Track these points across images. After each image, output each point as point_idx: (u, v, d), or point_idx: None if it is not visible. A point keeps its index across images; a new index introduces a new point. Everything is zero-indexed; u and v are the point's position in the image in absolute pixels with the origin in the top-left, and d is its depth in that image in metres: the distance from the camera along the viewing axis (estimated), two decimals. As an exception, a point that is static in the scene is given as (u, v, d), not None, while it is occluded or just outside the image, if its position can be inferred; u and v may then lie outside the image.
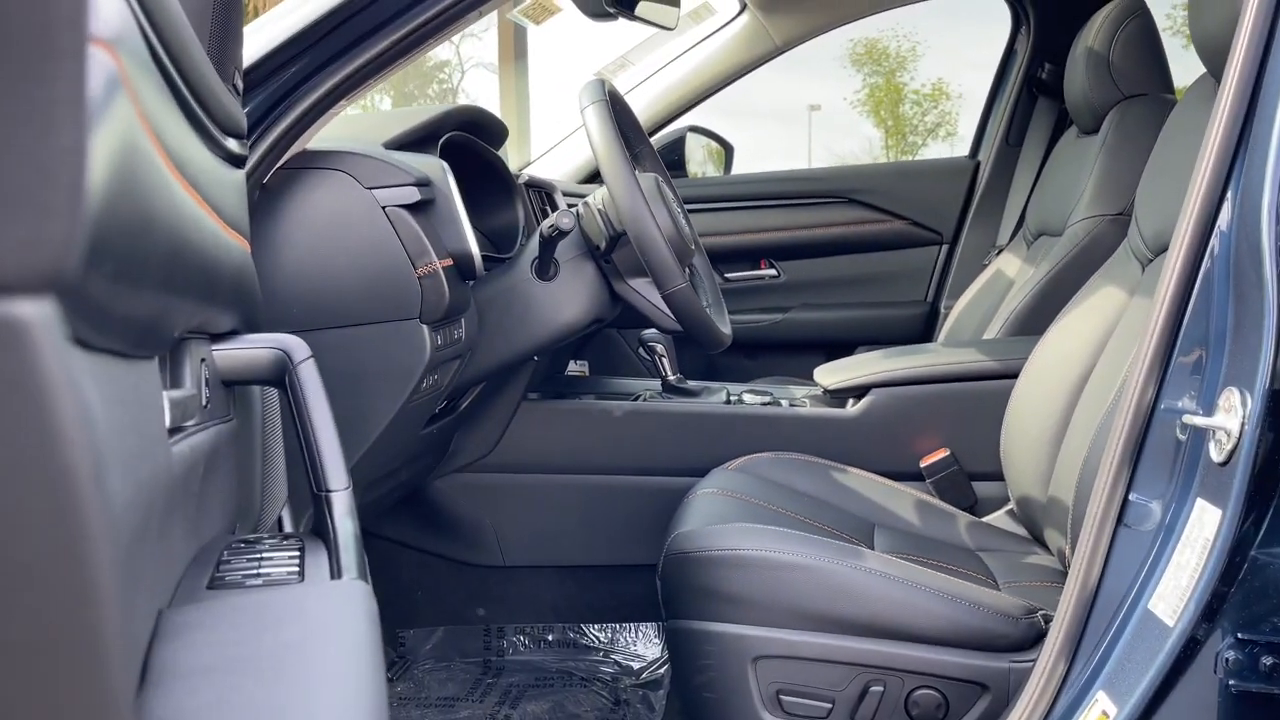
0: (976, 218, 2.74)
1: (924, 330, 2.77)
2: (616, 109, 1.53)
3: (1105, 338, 1.64)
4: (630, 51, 2.68)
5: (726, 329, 1.59)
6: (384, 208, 1.27)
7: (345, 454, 0.76)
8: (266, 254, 1.26)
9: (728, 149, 3.18)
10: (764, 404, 1.99)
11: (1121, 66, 2.13)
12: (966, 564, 1.56)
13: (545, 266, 1.51)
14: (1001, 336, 2.10)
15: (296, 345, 0.76)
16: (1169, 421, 1.12)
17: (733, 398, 2.03)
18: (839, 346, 2.82)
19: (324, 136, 1.30)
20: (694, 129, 3.01)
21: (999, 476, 1.81)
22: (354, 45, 1.22)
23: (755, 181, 2.99)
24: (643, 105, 2.72)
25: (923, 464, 1.86)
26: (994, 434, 1.80)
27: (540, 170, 2.74)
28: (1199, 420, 1.06)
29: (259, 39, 1.20)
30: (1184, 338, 1.12)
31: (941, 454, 1.85)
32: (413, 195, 1.29)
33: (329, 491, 0.71)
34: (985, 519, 1.81)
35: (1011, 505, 1.78)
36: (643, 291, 1.53)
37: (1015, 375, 1.78)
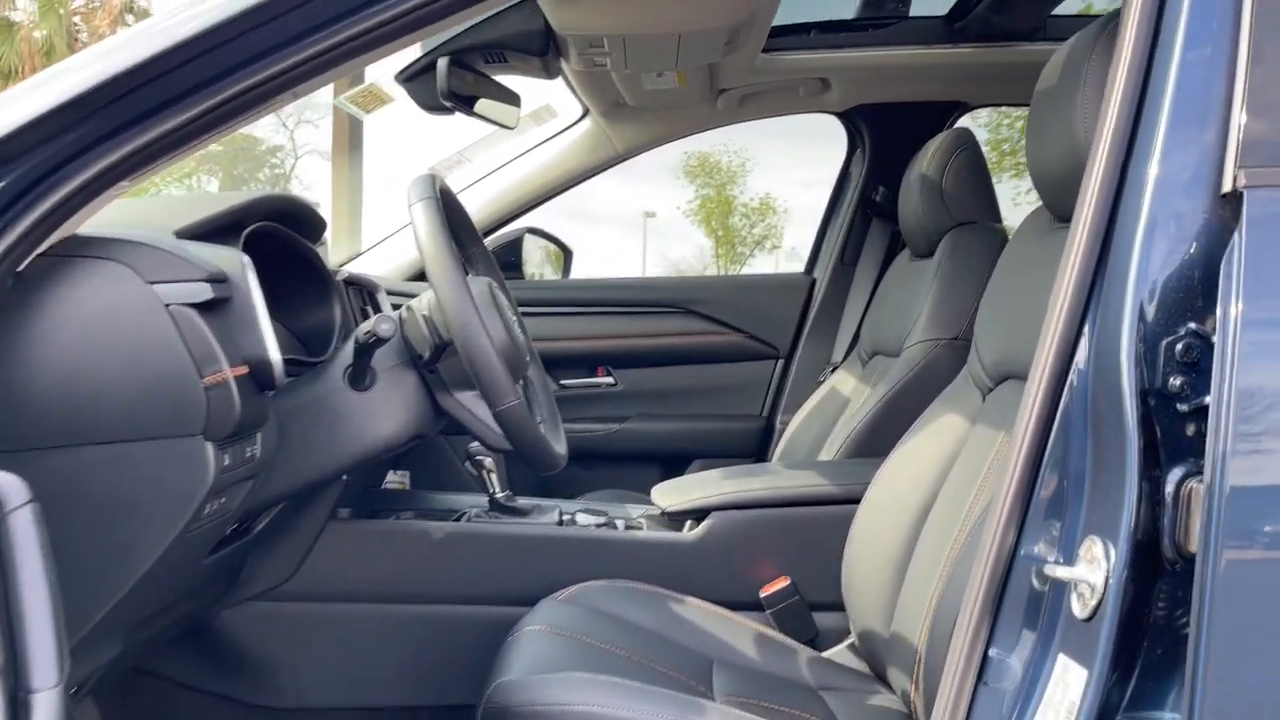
0: (812, 334, 2.74)
1: (759, 445, 2.73)
2: (448, 207, 1.41)
3: (947, 466, 1.60)
4: (468, 148, 2.58)
5: (562, 449, 1.46)
6: (167, 306, 1.09)
7: (101, 595, 0.59)
8: (17, 354, 1.06)
9: (566, 252, 3.10)
10: (599, 525, 1.86)
11: (953, 194, 2.17)
12: (809, 707, 1.46)
13: (360, 375, 1.35)
14: (840, 458, 2.06)
15: (8, 487, 0.58)
16: (1028, 568, 1.06)
17: (565, 517, 1.89)
18: (675, 459, 2.74)
19: (102, 221, 1.12)
20: (532, 231, 2.92)
21: (840, 607, 1.73)
22: (144, 117, 1.05)
23: (594, 287, 2.91)
24: (479, 205, 2.61)
25: (763, 593, 1.76)
26: (835, 562, 1.73)
27: (366, 266, 2.57)
28: (1060, 571, 1.00)
29: (23, 105, 1.02)
30: (1042, 481, 1.06)
31: (782, 583, 1.76)
32: (204, 292, 1.12)
33: (30, 692, 0.53)
34: (826, 653, 1.73)
35: (853, 639, 1.70)
36: (470, 406, 1.39)
37: (857, 500, 1.72)
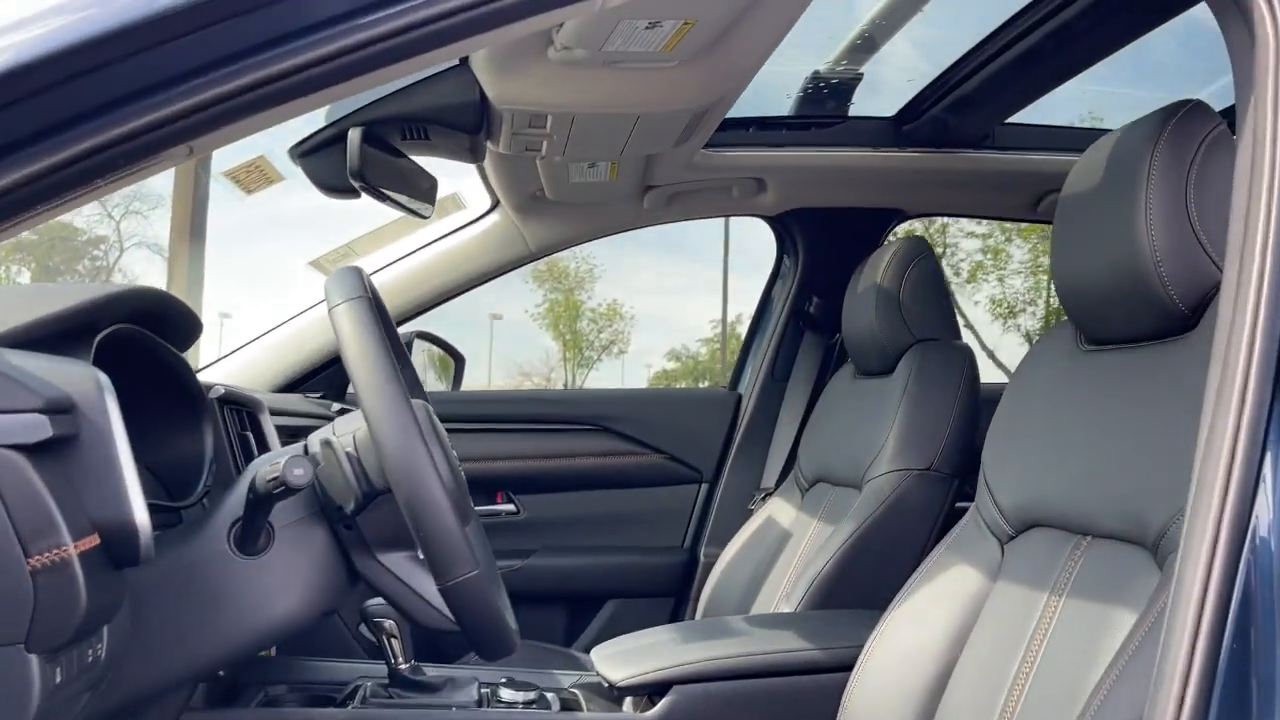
0: (739, 456, 2.48)
1: (681, 582, 2.42)
2: (380, 313, 1.09)
3: (964, 630, 1.34)
4: (356, 240, 2.24)
5: (515, 625, 1.12)
6: (-19, 450, 0.72)
7: None
8: None
9: (458, 360, 2.76)
10: (528, 703, 1.50)
11: (912, 308, 1.98)
12: None
13: (252, 535, 0.99)
14: (805, 608, 1.77)
15: None
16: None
17: (485, 691, 1.53)
18: (585, 599, 2.40)
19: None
20: (421, 335, 2.58)
21: (830, 796, 1.43)
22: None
23: (494, 401, 2.59)
24: (368, 304, 2.26)
25: (738, 786, 1.44)
26: (819, 743, 1.43)
27: (215, 378, 2.18)
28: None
29: None
30: (1219, 692, 0.80)
31: (761, 773, 1.44)
32: (39, 429, 0.75)
33: None
34: None
35: (848, 840, 1.39)
36: (401, 573, 1.04)
37: (846, 667, 1.44)
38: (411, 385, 1.30)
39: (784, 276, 2.52)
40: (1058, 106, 2.14)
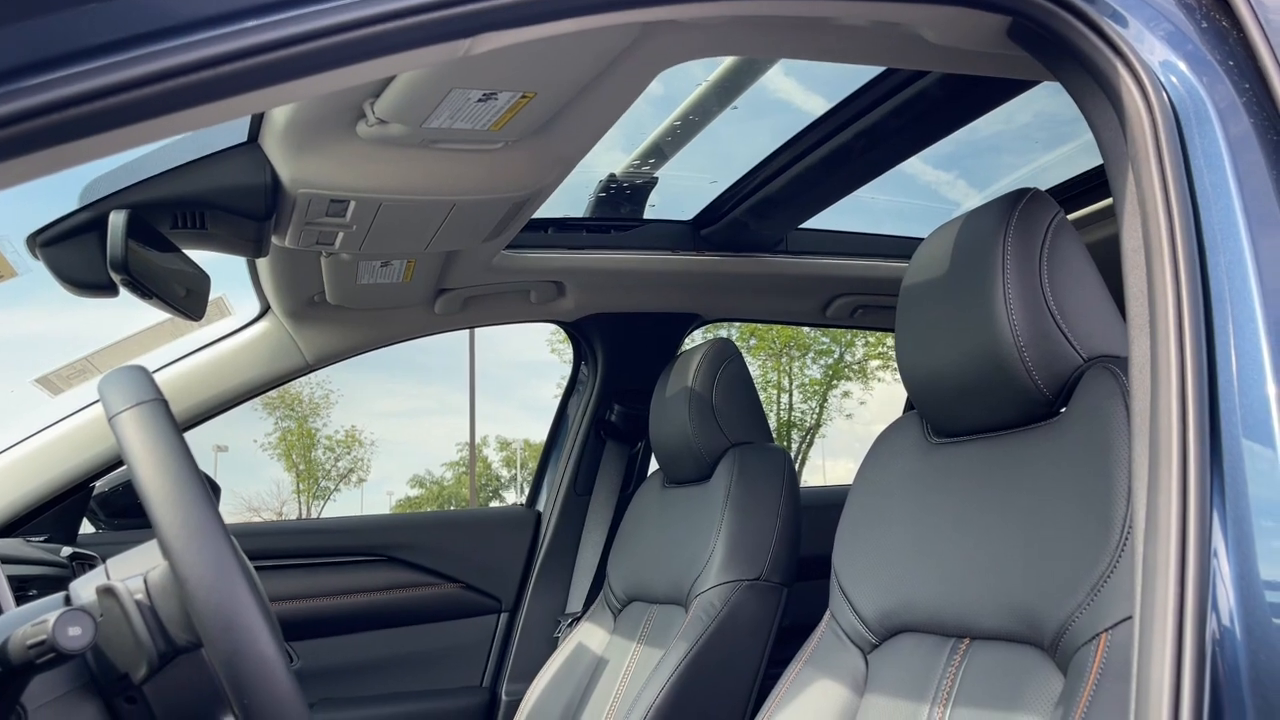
0: (541, 579, 2.30)
1: (483, 726, 2.18)
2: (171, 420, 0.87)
3: (838, 752, 1.23)
4: (95, 354, 1.92)
5: None
6: None
7: None
8: None
9: (213, 490, 2.43)
10: None
11: (725, 411, 1.91)
12: None
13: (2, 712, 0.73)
14: (642, 742, 1.61)
15: None
16: None
17: None
18: (375, 758, 2.10)
19: None
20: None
21: None
22: None
23: (264, 534, 2.27)
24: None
25: None
26: None
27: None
28: None
29: None
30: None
31: None
32: None
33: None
34: None
35: None
36: None
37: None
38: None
39: (581, 385, 2.41)
40: (838, 212, 2.19)
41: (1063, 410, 1.12)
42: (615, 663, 1.95)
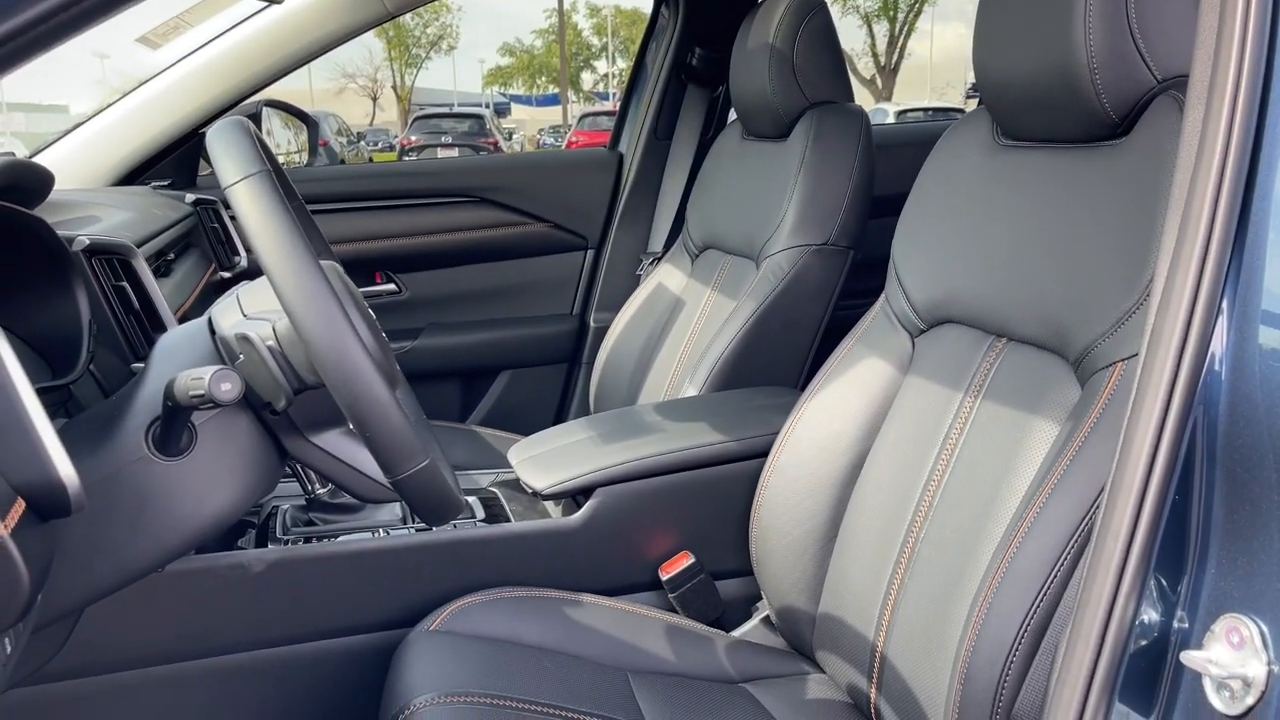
0: (624, 220, 2.42)
1: (573, 349, 2.42)
2: (281, 180, 0.95)
3: (876, 422, 1.40)
4: (186, 11, 1.96)
5: (460, 494, 1.09)
6: None
7: None
8: None
9: (310, 125, 2.55)
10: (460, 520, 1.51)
11: (806, 69, 1.89)
12: (744, 710, 1.28)
13: (173, 437, 0.91)
14: (708, 389, 1.81)
15: None
16: (1139, 637, 0.86)
17: (405, 507, 1.53)
18: (479, 373, 2.39)
19: None
20: (271, 103, 2.35)
21: (744, 571, 1.53)
22: None
23: (365, 176, 2.40)
24: (213, 78, 2.02)
25: (664, 574, 1.51)
26: (738, 526, 1.51)
27: (47, 162, 1.94)
28: (1196, 657, 0.81)
29: None
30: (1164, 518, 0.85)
31: (684, 560, 1.52)
32: None
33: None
34: (738, 633, 1.52)
35: (767, 613, 1.51)
36: (339, 451, 0.99)
37: (761, 454, 1.49)
38: (318, 244, 1.20)
39: (662, 29, 2.36)
40: None
41: (1126, 136, 1.12)
42: (691, 305, 2.11)
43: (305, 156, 2.54)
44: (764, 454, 1.48)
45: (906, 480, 1.30)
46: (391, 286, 2.35)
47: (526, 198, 2.36)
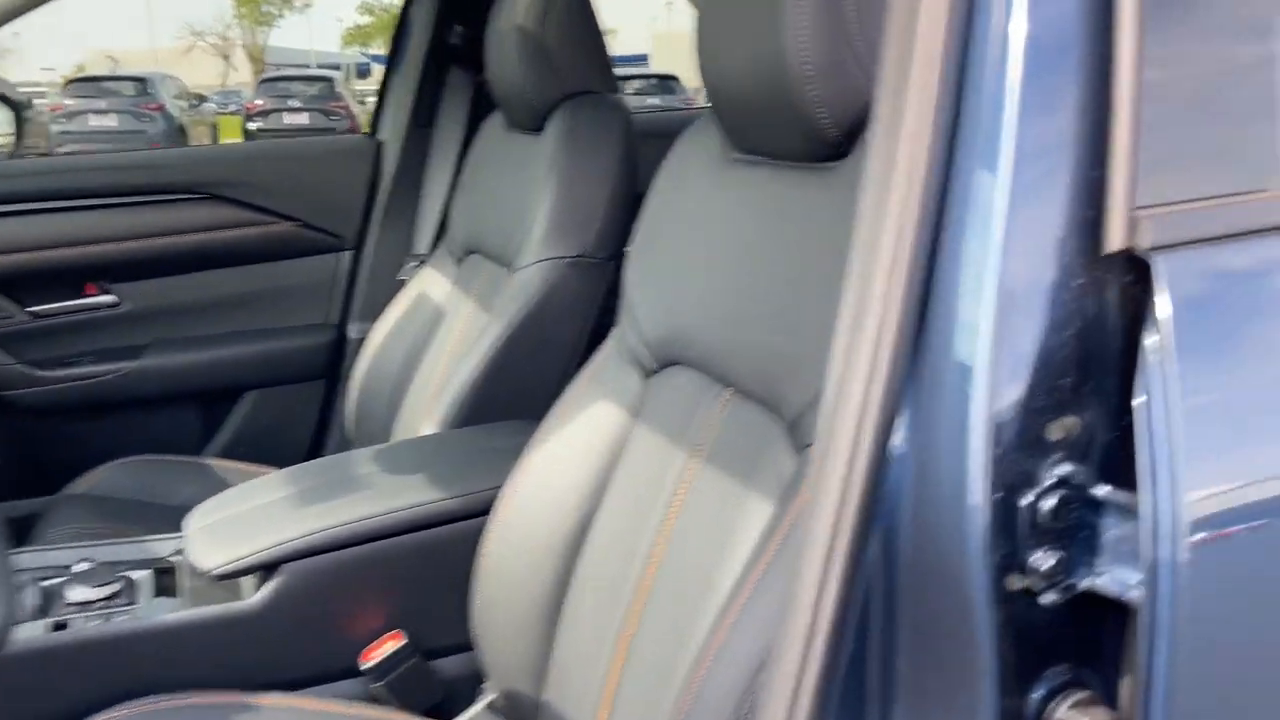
0: (387, 217, 2.16)
1: (330, 363, 2.15)
2: None
3: (605, 473, 1.21)
4: None
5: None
6: None
7: None
8: None
9: (16, 109, 2.19)
10: (107, 598, 1.25)
11: (560, 53, 1.67)
12: None
13: None
14: (450, 423, 1.58)
15: None
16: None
17: (46, 586, 1.26)
18: (220, 395, 2.10)
19: None
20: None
21: (469, 646, 1.31)
22: None
23: (73, 171, 2.06)
24: None
25: (367, 661, 1.28)
26: (460, 596, 1.30)
27: None
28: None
29: None
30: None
31: (393, 641, 1.29)
32: None
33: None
34: (461, 720, 1.31)
35: (492, 697, 1.30)
36: None
37: (484, 512, 1.28)
38: None
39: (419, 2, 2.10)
40: None
41: (845, 158, 0.94)
42: (451, 317, 1.88)
43: (9, 148, 2.18)
44: (488, 511, 1.27)
45: (626, 549, 1.12)
46: (108, 298, 2.03)
47: (269, 193, 2.07)
